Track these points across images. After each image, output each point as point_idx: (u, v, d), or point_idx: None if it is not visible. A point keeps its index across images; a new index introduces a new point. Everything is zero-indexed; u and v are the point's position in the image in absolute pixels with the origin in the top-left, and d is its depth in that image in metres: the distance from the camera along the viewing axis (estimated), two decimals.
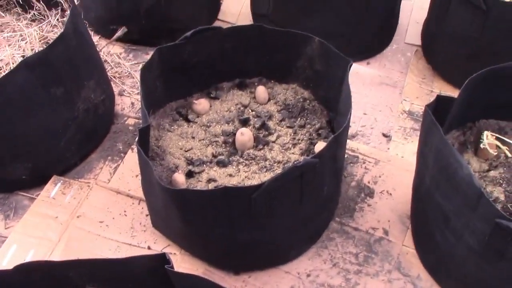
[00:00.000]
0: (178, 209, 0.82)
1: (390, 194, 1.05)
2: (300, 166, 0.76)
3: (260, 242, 0.88)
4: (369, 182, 1.07)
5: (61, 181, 1.06)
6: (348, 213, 1.02)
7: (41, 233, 0.98)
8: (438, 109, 0.85)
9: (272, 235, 0.87)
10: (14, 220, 1.02)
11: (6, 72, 0.93)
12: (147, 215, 1.00)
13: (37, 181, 1.07)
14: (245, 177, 0.94)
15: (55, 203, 1.03)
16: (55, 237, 0.97)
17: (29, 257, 0.94)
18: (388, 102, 1.26)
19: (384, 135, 1.18)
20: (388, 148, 1.15)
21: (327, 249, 0.97)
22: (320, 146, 0.96)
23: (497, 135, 0.95)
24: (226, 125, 1.04)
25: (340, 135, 0.83)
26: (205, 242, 0.89)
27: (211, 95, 1.10)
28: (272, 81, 1.11)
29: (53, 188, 1.05)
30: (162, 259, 0.66)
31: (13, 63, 1.01)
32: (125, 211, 1.02)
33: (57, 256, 0.95)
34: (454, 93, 1.25)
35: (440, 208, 0.82)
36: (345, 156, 1.05)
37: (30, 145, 1.02)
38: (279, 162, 0.96)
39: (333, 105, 1.00)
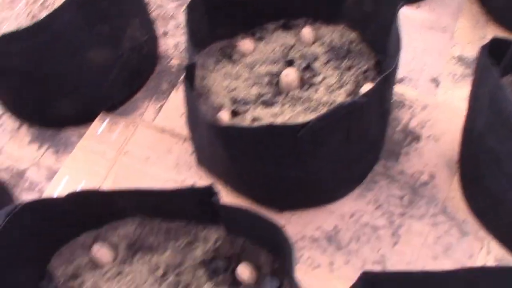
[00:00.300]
0: (223, 146, 0.82)
1: (438, 139, 1.03)
2: (347, 105, 0.75)
3: (305, 182, 0.88)
4: (415, 127, 1.05)
5: (108, 118, 1.08)
6: (393, 157, 1.00)
7: (90, 168, 1.01)
8: (493, 51, 0.82)
9: (316, 175, 0.87)
10: (64, 155, 1.05)
11: (52, 10, 0.94)
12: (191, 154, 1.02)
13: (85, 118, 1.09)
14: (290, 117, 0.93)
15: (102, 139, 1.05)
16: (103, 172, 1.00)
17: (79, 189, 0.98)
18: (437, 46, 1.22)
19: (433, 80, 1.14)
20: (436, 94, 1.12)
21: (371, 191, 0.96)
22: (366, 88, 0.94)
23: None
24: (271, 66, 1.03)
25: (389, 76, 0.81)
26: (250, 180, 0.89)
27: (256, 36, 1.08)
28: (318, 22, 1.08)
29: (100, 125, 1.07)
30: (210, 192, 0.67)
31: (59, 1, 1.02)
32: (170, 149, 1.03)
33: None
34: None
35: (493, 152, 0.80)
36: (392, 100, 1.03)
37: (77, 83, 1.03)
38: (324, 103, 0.95)
39: (381, 47, 0.97)
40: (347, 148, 0.84)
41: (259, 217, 0.64)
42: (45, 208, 0.69)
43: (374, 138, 0.91)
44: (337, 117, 0.76)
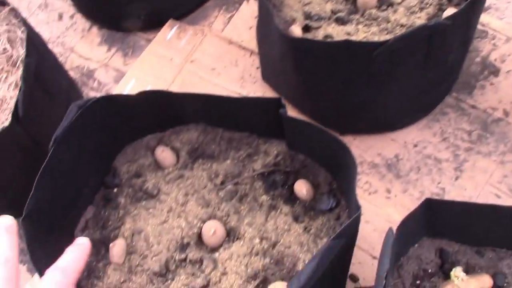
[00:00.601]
0: (294, 60, 0.80)
1: None
2: (431, 27, 0.71)
3: (373, 105, 0.85)
4: (495, 60, 0.98)
5: (177, 25, 1.08)
6: (467, 90, 0.96)
7: (157, 73, 1.01)
8: None
9: (386, 99, 0.84)
10: (132, 58, 1.06)
11: None
12: (257, 68, 1.00)
13: (154, 23, 1.09)
14: (364, 37, 0.89)
15: (170, 46, 1.05)
16: (170, 78, 1.01)
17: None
18: None
19: None
20: None
21: (438, 122, 0.93)
22: (449, 12, 0.88)
23: None
24: None
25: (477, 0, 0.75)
26: (316, 98, 0.88)
27: None
28: None
29: (169, 31, 1.07)
30: (278, 103, 0.66)
31: None
32: (236, 61, 1.02)
33: None
34: None
35: None
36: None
37: None
38: (402, 25, 0.90)
39: None
40: (423, 74, 0.80)
41: (325, 133, 0.63)
42: (116, 104, 0.70)
43: (451, 67, 0.87)
44: (418, 38, 0.72)
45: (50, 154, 0.65)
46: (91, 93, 1.06)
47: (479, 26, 1.02)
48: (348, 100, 0.84)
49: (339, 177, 0.73)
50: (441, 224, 0.66)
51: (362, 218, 0.67)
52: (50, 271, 0.51)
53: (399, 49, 0.72)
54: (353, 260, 0.78)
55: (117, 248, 0.71)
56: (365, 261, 0.83)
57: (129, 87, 1.00)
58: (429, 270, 0.68)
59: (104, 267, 0.72)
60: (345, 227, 0.57)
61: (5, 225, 0.52)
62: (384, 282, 0.54)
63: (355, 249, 0.71)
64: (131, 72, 1.02)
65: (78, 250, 0.55)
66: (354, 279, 0.82)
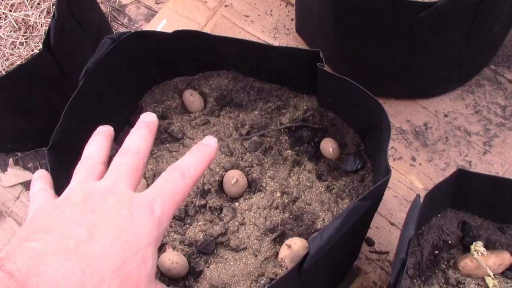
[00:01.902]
0: (334, 14, 0.77)
1: None
2: None
3: (408, 70, 0.83)
4: None
5: None
6: (506, 63, 0.93)
7: (190, 14, 0.99)
8: None
9: (423, 64, 0.82)
10: None
11: None
12: (292, 19, 0.98)
13: None
14: None
15: None
16: (202, 21, 0.98)
17: None
18: None
19: None
20: None
21: (473, 94, 0.90)
22: None
23: None
24: None
25: None
26: (350, 56, 0.85)
27: None
28: None
29: None
30: (317, 55, 0.64)
31: None
32: (271, 11, 0.99)
33: None
34: None
35: None
36: None
37: None
38: None
39: None
40: (465, 43, 0.77)
41: (362, 90, 0.62)
42: (150, 41, 0.69)
43: (495, 38, 0.83)
44: (466, 3, 0.69)
45: (80, 85, 0.64)
46: (120, 29, 1.04)
47: None
48: (382, 61, 0.81)
49: (368, 139, 0.72)
50: (468, 196, 0.65)
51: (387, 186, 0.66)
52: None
53: (446, 12, 0.69)
54: (370, 225, 0.77)
55: (138, 188, 0.71)
56: (383, 226, 0.82)
57: (160, 26, 0.97)
58: (449, 242, 0.68)
59: None
60: (373, 189, 0.56)
61: (147, 121, 0.51)
62: (406, 249, 0.53)
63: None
64: (163, 11, 1.00)
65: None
66: (370, 242, 0.81)
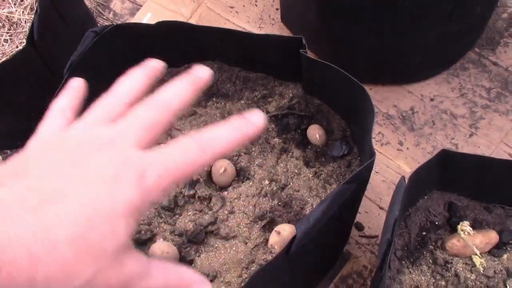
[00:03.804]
0: (318, 2, 0.78)
1: None
2: None
3: (394, 54, 0.83)
4: None
5: None
6: (490, 46, 0.93)
7: (175, 7, 0.99)
8: None
9: (408, 48, 0.82)
10: None
11: None
12: (277, 9, 0.98)
13: None
14: None
15: None
16: (187, 13, 0.98)
17: None
18: None
19: None
20: None
21: (458, 77, 0.91)
22: None
23: None
24: None
25: None
26: (337, 43, 0.86)
27: None
28: None
29: None
30: (299, 42, 0.64)
31: None
32: (256, 1, 1.00)
33: None
34: None
35: None
36: None
37: None
38: None
39: None
40: (448, 25, 0.78)
41: (346, 76, 0.62)
42: (134, 33, 0.69)
43: (477, 20, 0.84)
44: None
45: (64, 80, 0.64)
46: (105, 24, 1.04)
47: None
48: (369, 47, 0.82)
49: (353, 124, 0.72)
50: (453, 177, 0.66)
51: (372, 169, 0.67)
52: None
53: None
54: (360, 209, 0.78)
55: None
56: (372, 211, 0.83)
57: (145, 20, 0.98)
58: (436, 223, 0.68)
59: None
60: (358, 172, 0.56)
61: (196, 76, 0.42)
62: (392, 230, 0.54)
63: (363, 199, 0.71)
64: (148, 5, 1.00)
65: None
66: (360, 227, 0.82)
